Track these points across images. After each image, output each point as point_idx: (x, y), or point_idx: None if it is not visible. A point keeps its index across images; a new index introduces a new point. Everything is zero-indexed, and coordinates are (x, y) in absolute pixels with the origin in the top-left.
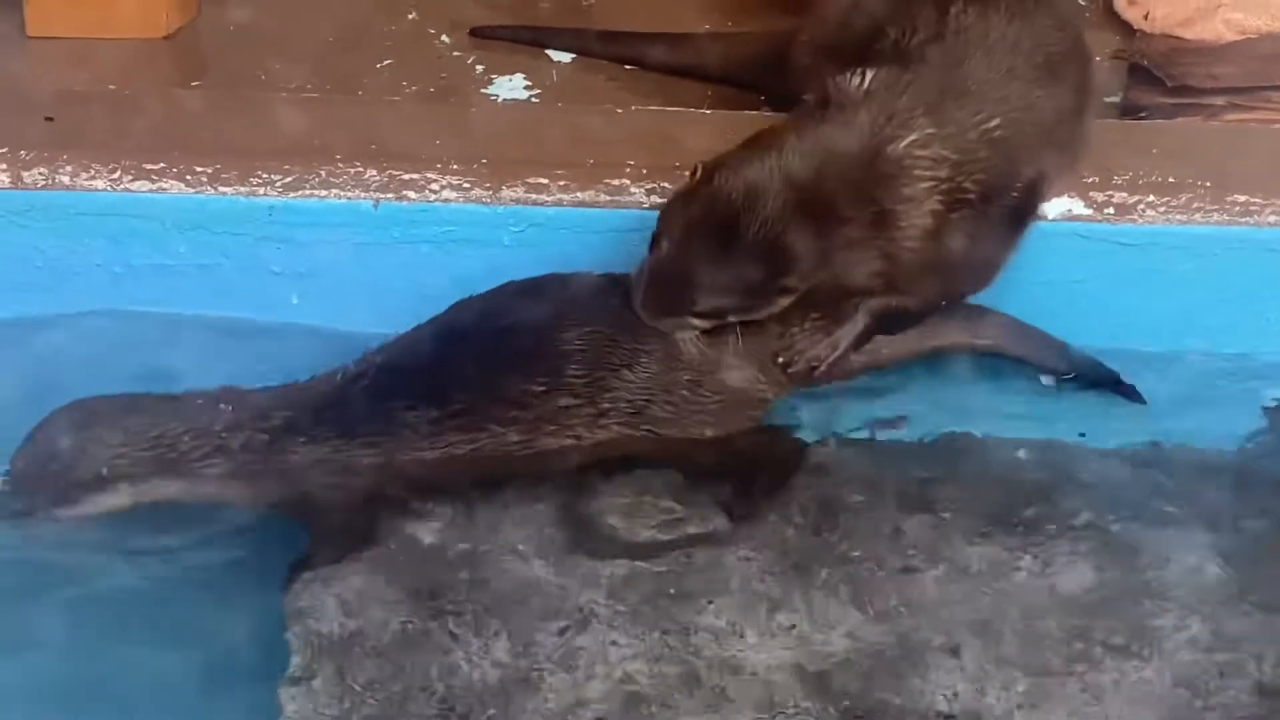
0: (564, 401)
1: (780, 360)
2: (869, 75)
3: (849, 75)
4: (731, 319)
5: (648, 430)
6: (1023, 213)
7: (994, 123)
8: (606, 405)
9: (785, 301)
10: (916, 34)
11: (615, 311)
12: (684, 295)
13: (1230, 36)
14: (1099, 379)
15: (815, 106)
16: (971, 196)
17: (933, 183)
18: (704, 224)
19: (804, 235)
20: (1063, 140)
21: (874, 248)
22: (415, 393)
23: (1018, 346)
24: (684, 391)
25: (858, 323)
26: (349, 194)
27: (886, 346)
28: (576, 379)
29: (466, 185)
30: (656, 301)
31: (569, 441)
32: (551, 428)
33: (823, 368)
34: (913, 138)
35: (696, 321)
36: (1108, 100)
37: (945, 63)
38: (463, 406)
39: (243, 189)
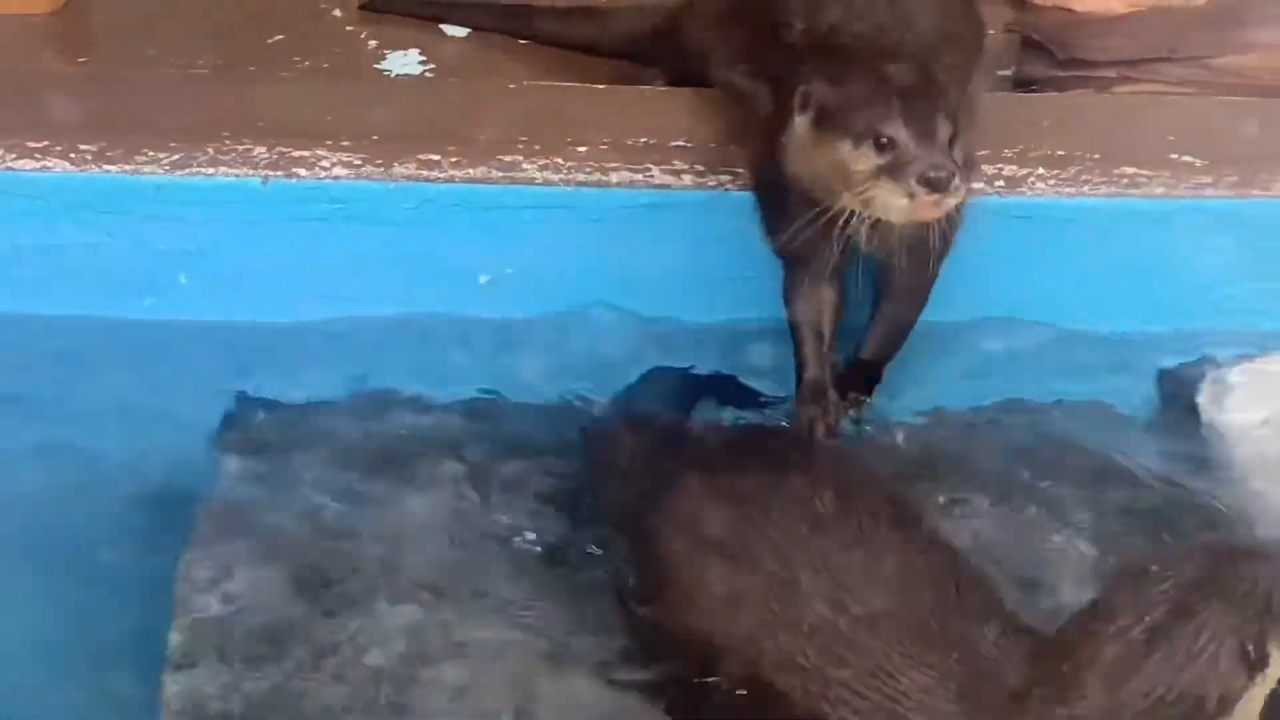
0: None
1: None
2: None
3: None
4: None
5: None
6: None
7: None
8: None
9: None
10: (824, 19)
11: None
12: None
13: (1121, 9)
14: None
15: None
16: None
17: None
18: None
19: None
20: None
21: None
22: None
23: None
24: None
25: None
26: (237, 171)
27: None
28: None
29: (358, 162)
30: None
31: None
32: None
33: None
34: None
35: None
36: (1001, 73)
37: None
38: None
39: (128, 167)
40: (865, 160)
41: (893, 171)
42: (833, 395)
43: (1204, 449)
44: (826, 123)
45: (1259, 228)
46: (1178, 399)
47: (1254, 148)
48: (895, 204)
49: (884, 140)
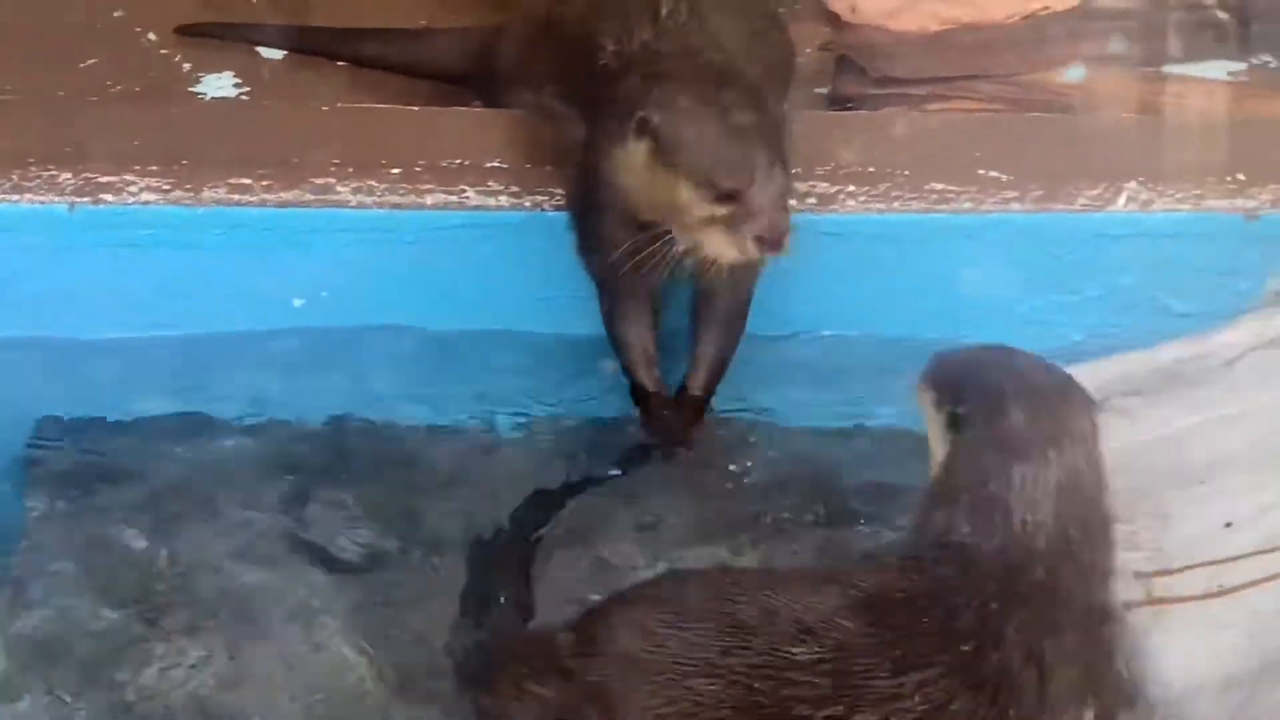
0: None
1: None
2: None
3: None
4: None
5: None
6: None
7: None
8: None
9: None
10: (634, 39)
11: None
12: None
13: (934, 28)
14: None
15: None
16: None
17: None
18: None
19: None
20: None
21: None
22: None
23: None
24: None
25: None
26: (42, 198)
27: None
28: None
29: (166, 187)
30: None
31: None
32: None
33: None
34: None
35: None
36: (816, 91)
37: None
38: None
39: None
40: (703, 208)
41: (730, 224)
42: (673, 403)
43: None
44: (665, 158)
45: (1062, 242)
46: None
47: (1059, 163)
48: (727, 253)
49: (724, 193)
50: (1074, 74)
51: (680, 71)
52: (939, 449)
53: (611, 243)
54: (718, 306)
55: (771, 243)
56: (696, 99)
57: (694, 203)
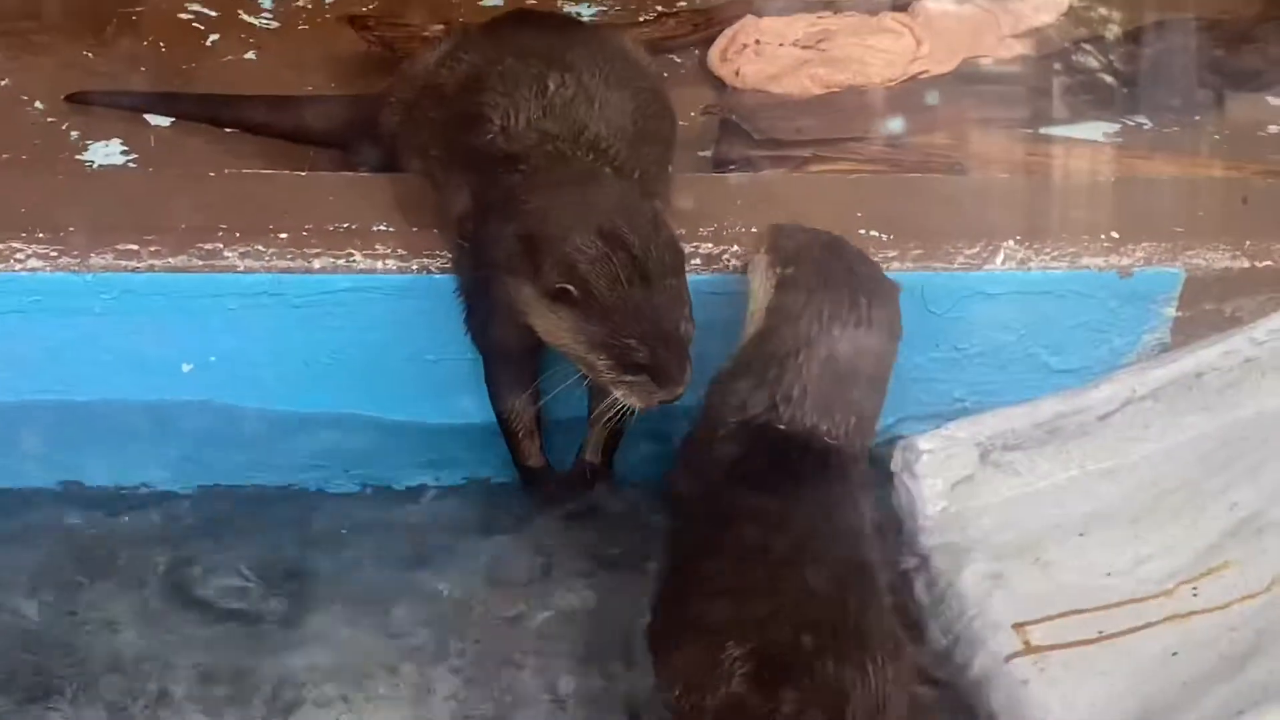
0: None
1: None
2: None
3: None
4: None
5: None
6: None
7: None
8: None
9: None
10: (521, 116)
11: None
12: None
13: (816, 91)
14: None
15: None
16: None
17: None
18: None
19: None
20: (662, 192)
21: None
22: None
23: None
24: None
25: None
26: None
27: None
28: None
29: (54, 254)
30: None
31: None
32: None
33: None
34: None
35: None
36: (700, 154)
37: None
38: None
39: None
40: (612, 373)
41: (636, 387)
42: (558, 475)
43: (897, 514)
44: (570, 309)
45: (940, 300)
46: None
47: (938, 222)
48: (631, 403)
49: (634, 367)
50: (951, 136)
51: (577, 190)
52: (758, 318)
53: (490, 313)
54: None
55: (671, 401)
56: (609, 263)
57: (599, 366)
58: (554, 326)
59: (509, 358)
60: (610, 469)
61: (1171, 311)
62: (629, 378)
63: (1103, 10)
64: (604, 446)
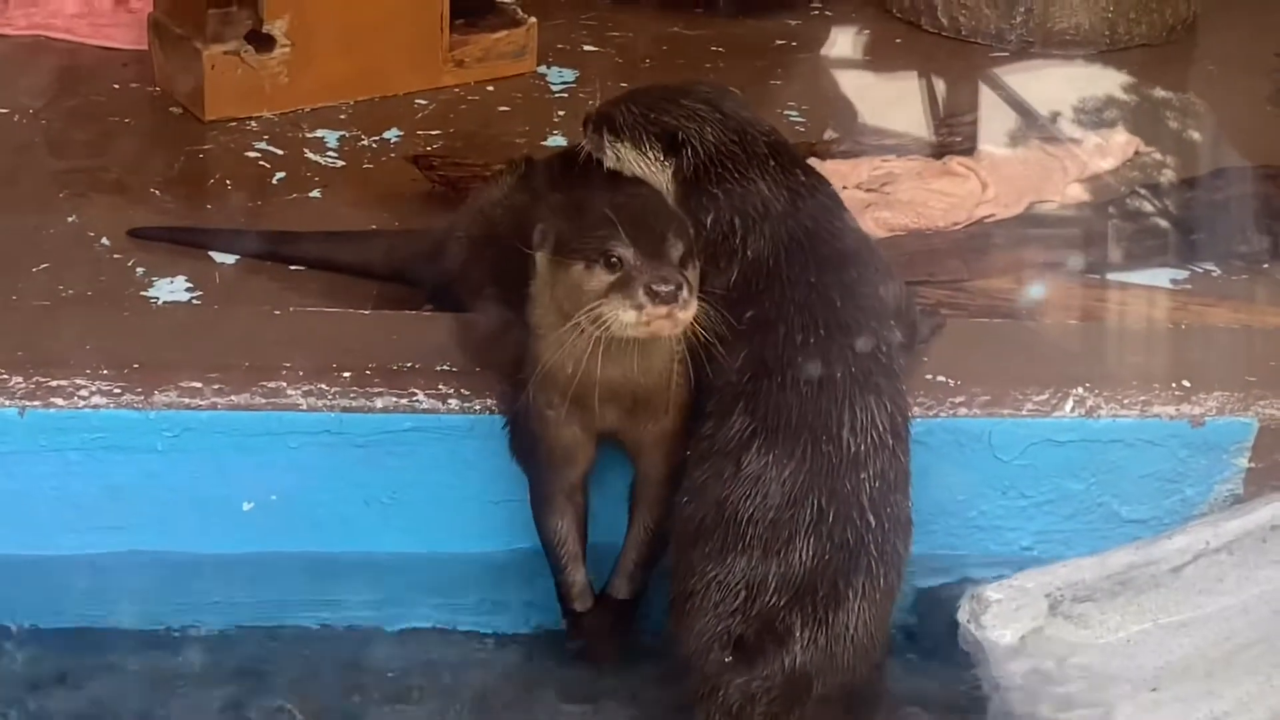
0: None
1: None
2: None
3: None
4: None
5: None
6: None
7: None
8: None
9: None
10: None
11: None
12: None
13: (880, 234)
14: None
15: None
16: None
17: None
18: None
19: None
20: None
21: None
22: None
23: None
24: None
25: None
26: None
27: None
28: None
29: (117, 391)
30: None
31: None
32: None
33: None
34: None
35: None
36: None
37: None
38: None
39: None
40: (596, 279)
41: (621, 287)
42: (604, 618)
43: (965, 667)
44: (562, 251)
45: (1010, 447)
46: (937, 618)
47: (1005, 368)
48: (624, 317)
49: (614, 259)
50: (1018, 281)
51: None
52: None
53: (542, 438)
54: (648, 488)
55: (661, 295)
56: (590, 201)
57: (585, 277)
58: (547, 278)
59: (552, 474)
60: (645, 588)
61: (1244, 462)
62: (612, 277)
63: (1163, 157)
64: (641, 558)
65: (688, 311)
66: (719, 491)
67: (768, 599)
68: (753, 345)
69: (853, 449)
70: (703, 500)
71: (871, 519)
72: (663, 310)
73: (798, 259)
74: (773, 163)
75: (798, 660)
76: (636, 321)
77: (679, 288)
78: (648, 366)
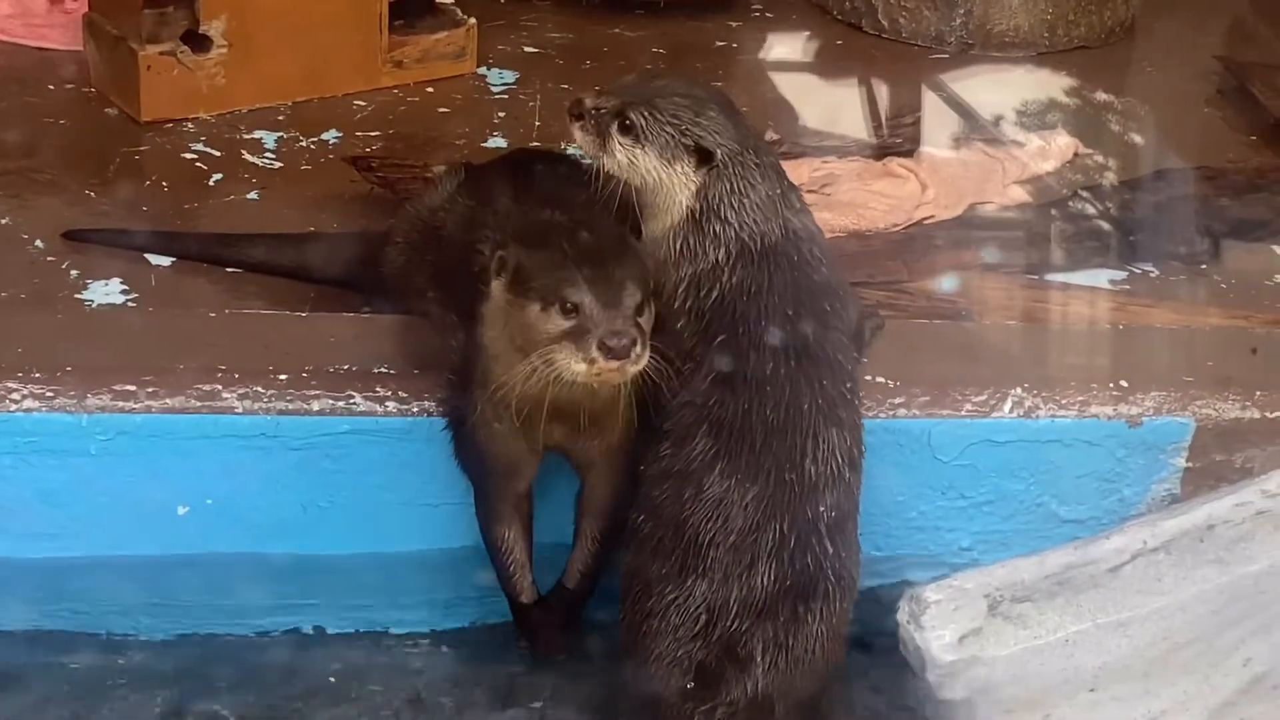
0: None
1: None
2: None
3: None
4: None
5: None
6: None
7: None
8: None
9: None
10: None
11: None
12: None
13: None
14: None
15: None
16: None
17: None
18: None
19: None
20: None
21: None
22: None
23: None
24: None
25: None
26: None
27: None
28: None
29: (50, 394)
30: None
31: None
32: None
33: None
34: None
35: None
36: None
37: None
38: None
39: None
40: (552, 323)
41: (575, 336)
42: (546, 610)
43: (904, 667)
44: (519, 287)
45: (947, 448)
46: (876, 618)
47: (944, 369)
48: (575, 368)
49: (569, 306)
50: (957, 282)
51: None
52: None
53: (487, 448)
54: (594, 500)
55: (614, 350)
56: (553, 235)
57: (540, 319)
58: (502, 308)
59: (499, 484)
60: (591, 595)
61: (1181, 462)
62: (566, 324)
63: (1104, 159)
64: (588, 568)
65: (638, 365)
66: (679, 512)
67: (729, 623)
68: (722, 368)
69: (813, 478)
70: (660, 520)
71: (829, 545)
72: (614, 365)
73: (779, 288)
74: (779, 189)
75: (759, 684)
76: (587, 373)
77: (633, 343)
78: (595, 392)
